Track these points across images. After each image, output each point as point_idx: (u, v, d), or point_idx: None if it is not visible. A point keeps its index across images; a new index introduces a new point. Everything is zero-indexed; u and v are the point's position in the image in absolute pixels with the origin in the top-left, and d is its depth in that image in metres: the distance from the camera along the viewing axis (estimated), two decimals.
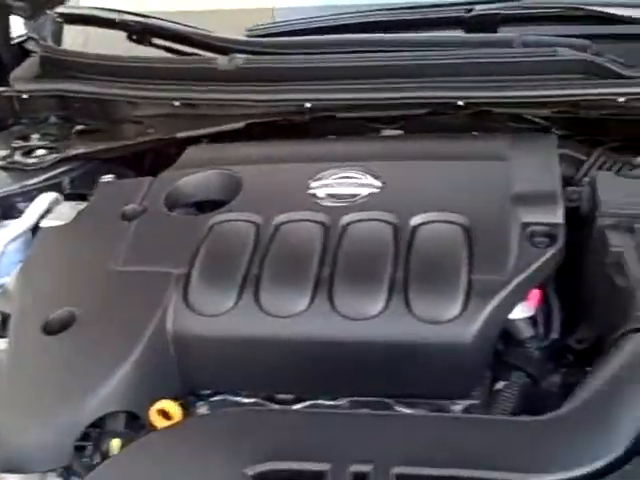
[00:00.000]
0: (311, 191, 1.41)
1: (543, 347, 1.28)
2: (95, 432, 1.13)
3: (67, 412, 1.13)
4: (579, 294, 1.35)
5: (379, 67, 1.63)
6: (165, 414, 1.14)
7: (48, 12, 1.96)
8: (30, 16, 1.92)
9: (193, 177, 1.49)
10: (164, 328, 1.22)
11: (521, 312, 1.27)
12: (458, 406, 1.26)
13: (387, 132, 1.68)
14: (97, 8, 2.00)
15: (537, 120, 1.64)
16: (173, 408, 1.14)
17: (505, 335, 1.28)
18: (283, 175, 1.48)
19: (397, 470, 0.96)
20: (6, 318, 1.31)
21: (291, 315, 1.22)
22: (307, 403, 1.26)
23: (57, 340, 1.21)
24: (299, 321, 1.22)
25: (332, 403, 1.26)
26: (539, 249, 1.27)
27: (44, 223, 1.48)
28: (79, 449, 1.11)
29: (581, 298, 1.34)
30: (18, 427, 1.12)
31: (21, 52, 1.94)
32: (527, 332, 1.28)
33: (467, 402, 1.25)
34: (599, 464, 0.94)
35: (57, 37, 1.99)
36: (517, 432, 1.01)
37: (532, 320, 1.29)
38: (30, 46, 1.93)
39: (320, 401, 1.26)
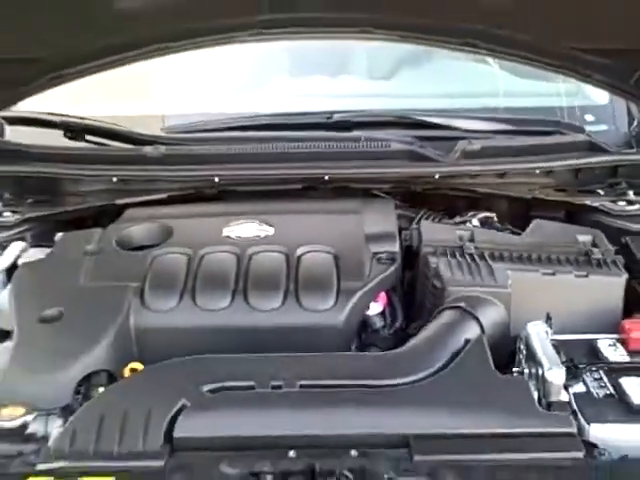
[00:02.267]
0: (224, 234, 1.98)
1: (391, 332, 1.87)
2: (85, 386, 1.62)
3: (67, 370, 1.61)
4: (415, 298, 1.97)
5: (267, 154, 2.25)
6: (134, 371, 1.65)
7: None
8: None
9: (136, 227, 2.04)
10: (128, 319, 1.73)
11: (375, 309, 1.87)
12: None
13: None
14: (36, 112, 2.52)
15: (382, 195, 2.29)
16: (140, 366, 1.65)
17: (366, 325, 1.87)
18: (203, 225, 2.05)
19: (301, 382, 1.51)
20: None
21: (218, 310, 1.76)
22: None
23: (53, 327, 1.70)
24: (225, 314, 1.76)
25: None
26: (384, 266, 1.89)
27: (22, 260, 1.97)
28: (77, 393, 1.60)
29: (417, 301, 1.96)
30: (37, 380, 1.59)
31: None
32: (379, 323, 1.88)
33: None
34: (426, 372, 1.55)
35: (1, 133, 2.50)
36: (382, 358, 1.64)
37: (383, 315, 1.89)
38: None
39: None
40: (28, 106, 2.51)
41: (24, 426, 1.50)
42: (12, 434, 1.49)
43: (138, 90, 2.77)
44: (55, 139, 2.45)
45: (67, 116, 2.47)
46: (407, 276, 2.03)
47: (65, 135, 2.47)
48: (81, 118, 2.46)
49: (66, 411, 1.55)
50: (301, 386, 1.52)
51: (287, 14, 2.08)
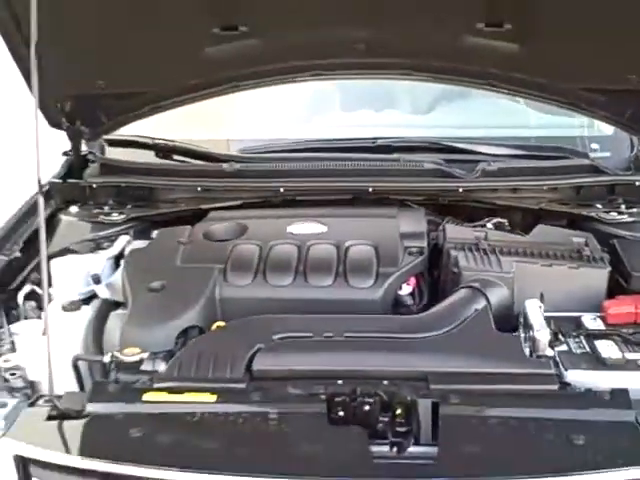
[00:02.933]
0: (288, 231, 2.50)
1: (419, 309, 2.35)
2: (182, 337, 2.13)
3: (170, 325, 2.13)
4: (438, 283, 2.45)
5: (322, 170, 2.77)
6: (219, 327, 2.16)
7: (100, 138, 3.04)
8: (90, 139, 2.99)
9: (219, 225, 2.57)
10: (214, 291, 2.25)
11: (406, 290, 2.36)
12: None
13: None
14: (132, 136, 3.07)
15: (414, 206, 2.79)
16: (223, 324, 2.16)
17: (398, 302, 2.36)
18: (271, 224, 2.57)
19: (346, 334, 2.01)
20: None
21: (283, 286, 2.27)
22: None
23: (158, 295, 2.22)
24: (288, 289, 2.27)
25: None
26: (414, 256, 2.39)
27: (128, 249, 2.52)
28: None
29: (439, 285, 2.44)
30: (148, 332, 2.11)
31: (84, 160, 3.01)
32: (409, 301, 2.36)
33: None
34: (443, 330, 2.04)
35: (102, 152, 3.06)
36: (409, 319, 2.14)
37: (412, 295, 2.37)
38: (91, 157, 3.00)
39: None
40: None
41: (140, 362, 2.02)
42: (131, 367, 2.01)
43: (210, 119, 3.33)
44: (142, 156, 3.00)
45: (158, 139, 3.03)
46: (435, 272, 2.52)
47: (157, 155, 3.03)
48: (169, 141, 3.01)
49: (169, 354, 2.06)
50: (347, 336, 2.01)
51: (340, 59, 2.61)
